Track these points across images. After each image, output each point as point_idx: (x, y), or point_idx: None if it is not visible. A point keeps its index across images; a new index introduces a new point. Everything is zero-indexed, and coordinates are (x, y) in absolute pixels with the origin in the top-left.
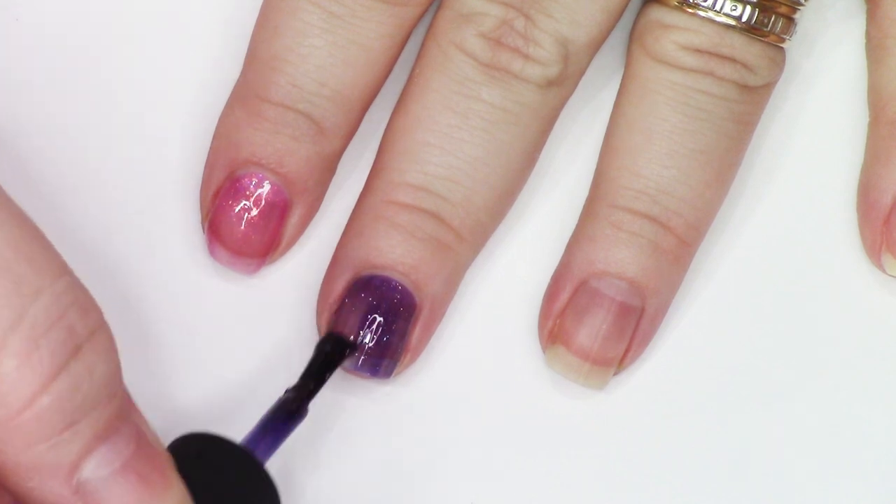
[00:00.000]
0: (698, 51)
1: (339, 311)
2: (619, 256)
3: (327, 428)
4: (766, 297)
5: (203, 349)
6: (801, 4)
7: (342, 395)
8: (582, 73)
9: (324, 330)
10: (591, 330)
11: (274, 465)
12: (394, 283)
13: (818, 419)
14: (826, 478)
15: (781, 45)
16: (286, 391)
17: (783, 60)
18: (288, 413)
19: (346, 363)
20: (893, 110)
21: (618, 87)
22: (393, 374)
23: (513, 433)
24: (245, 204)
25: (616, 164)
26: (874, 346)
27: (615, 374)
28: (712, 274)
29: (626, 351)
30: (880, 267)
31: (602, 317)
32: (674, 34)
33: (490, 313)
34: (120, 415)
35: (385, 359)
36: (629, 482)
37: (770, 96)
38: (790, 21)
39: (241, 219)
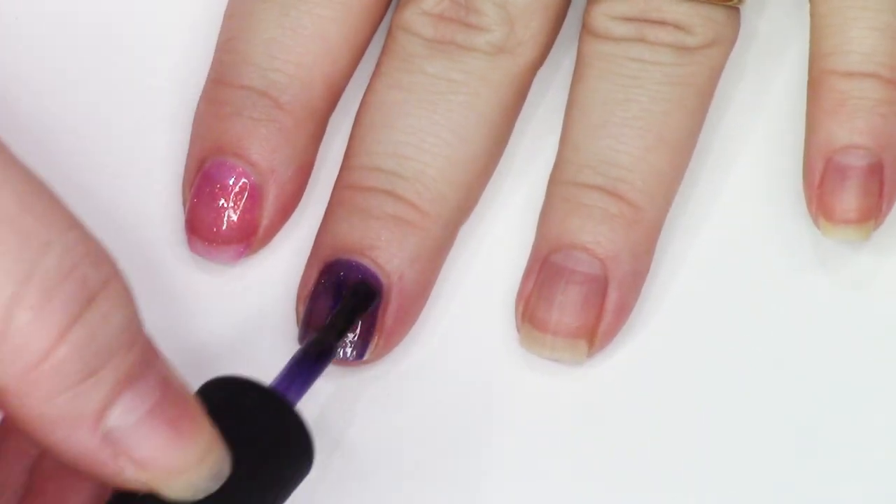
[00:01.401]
0: (627, 19)
1: (311, 299)
2: (572, 227)
3: (322, 427)
4: (738, 274)
5: (202, 349)
6: None
7: (336, 392)
8: (538, 37)
9: (299, 321)
10: (552, 302)
11: None
12: (353, 263)
13: (809, 409)
14: (822, 470)
15: (734, 4)
16: (315, 331)
17: (728, 18)
18: (318, 352)
19: None
20: (815, 71)
21: None
22: (367, 356)
23: (511, 430)
24: (215, 193)
25: (561, 142)
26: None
27: (593, 349)
28: (676, 258)
29: (596, 322)
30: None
31: (562, 287)
32: (602, 6)
33: (492, 314)
34: (143, 362)
35: (354, 339)
36: (627, 478)
37: (724, 57)
38: None
39: (213, 207)
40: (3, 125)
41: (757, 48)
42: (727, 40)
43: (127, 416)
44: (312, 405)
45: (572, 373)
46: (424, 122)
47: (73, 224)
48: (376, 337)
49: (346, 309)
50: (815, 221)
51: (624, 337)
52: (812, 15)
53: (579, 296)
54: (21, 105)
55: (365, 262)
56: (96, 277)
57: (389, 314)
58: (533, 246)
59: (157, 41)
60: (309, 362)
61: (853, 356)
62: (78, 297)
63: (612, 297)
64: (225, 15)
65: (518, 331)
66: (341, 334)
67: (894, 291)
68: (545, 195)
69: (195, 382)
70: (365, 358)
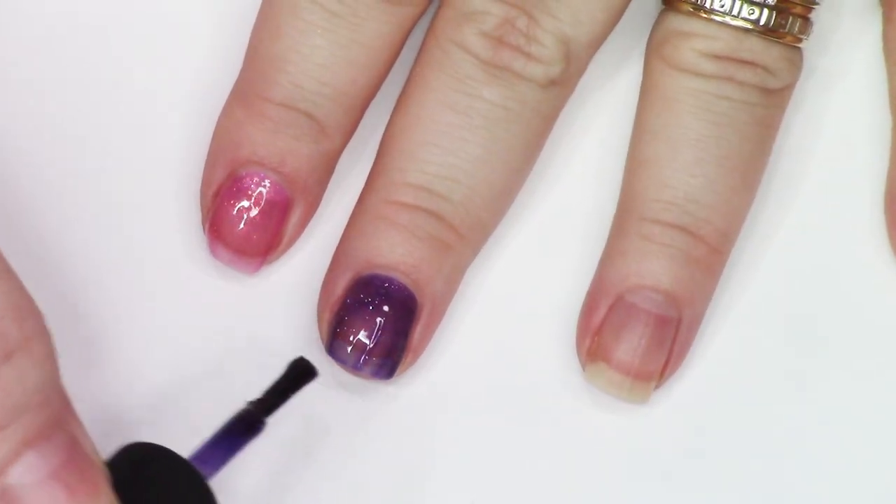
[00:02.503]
0: (717, 57)
1: (340, 311)
2: (653, 269)
3: (327, 429)
4: (794, 304)
5: (204, 349)
6: (817, 3)
7: (343, 395)
8: (582, 72)
9: (325, 331)
10: (631, 345)
11: (273, 465)
12: (395, 282)
13: (860, 433)
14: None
15: (798, 45)
16: (247, 403)
17: (801, 60)
18: (246, 426)
19: (349, 363)
20: None
21: (616, 87)
22: (395, 375)
23: (512, 433)
24: (246, 203)
25: (643, 176)
26: None
27: (656, 387)
28: (743, 280)
29: (666, 363)
30: None
31: (640, 331)
32: (692, 41)
33: (491, 314)
34: (53, 423)
35: (387, 359)
36: (631, 484)
37: (790, 98)
38: (806, 21)
39: (242, 218)
40: (8, 129)
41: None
42: (796, 83)
43: (27, 475)
44: (321, 407)
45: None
46: (480, 150)
47: (1, 277)
48: (406, 355)
49: (282, 387)
50: None
51: None
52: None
53: (656, 340)
54: (20, 103)
55: (405, 281)
56: (17, 332)
57: (418, 332)
58: (602, 277)
59: (156, 39)
60: (234, 436)
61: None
62: None
63: (681, 338)
64: (265, 26)
65: (583, 364)
66: (271, 410)
67: None
68: (617, 228)
69: (202, 387)
70: (394, 376)
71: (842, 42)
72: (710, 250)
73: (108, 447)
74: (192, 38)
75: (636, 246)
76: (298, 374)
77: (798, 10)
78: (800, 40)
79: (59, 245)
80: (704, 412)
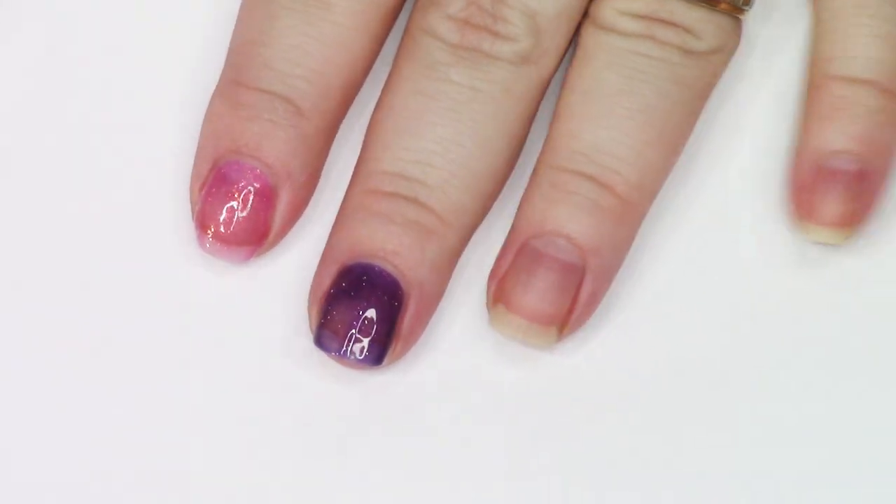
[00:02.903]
0: (637, 16)
1: (326, 302)
2: (557, 215)
3: (323, 425)
4: (715, 271)
5: (198, 343)
6: None
7: (339, 391)
8: (560, 48)
9: (313, 323)
10: (528, 287)
11: (270, 468)
12: (376, 268)
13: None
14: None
15: (738, 15)
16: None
17: (734, 27)
18: None
19: (334, 351)
20: (815, 75)
21: None
22: (385, 362)
23: (511, 430)
24: (229, 194)
25: (557, 127)
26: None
27: (561, 336)
28: (664, 241)
29: (570, 311)
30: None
31: (540, 274)
32: (613, 1)
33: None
34: None
35: (373, 345)
36: (628, 481)
37: (724, 64)
38: None
39: (226, 207)
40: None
41: (755, 54)
42: (730, 48)
43: None
44: (319, 404)
45: (565, 369)
46: (450, 131)
47: None
48: (394, 343)
49: None
50: (797, 221)
51: (615, 334)
52: (816, 20)
53: (557, 284)
54: (15, 104)
55: (387, 267)
56: None
57: (408, 319)
58: (513, 226)
59: (150, 37)
60: None
61: (828, 352)
62: None
63: (587, 288)
64: (241, 15)
65: (489, 309)
66: None
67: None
68: (532, 176)
69: (201, 382)
70: (383, 363)
71: (788, 14)
72: (619, 201)
73: (108, 448)
74: (186, 34)
75: (544, 193)
76: None
77: None
78: (740, 10)
79: (51, 242)
80: (704, 413)
